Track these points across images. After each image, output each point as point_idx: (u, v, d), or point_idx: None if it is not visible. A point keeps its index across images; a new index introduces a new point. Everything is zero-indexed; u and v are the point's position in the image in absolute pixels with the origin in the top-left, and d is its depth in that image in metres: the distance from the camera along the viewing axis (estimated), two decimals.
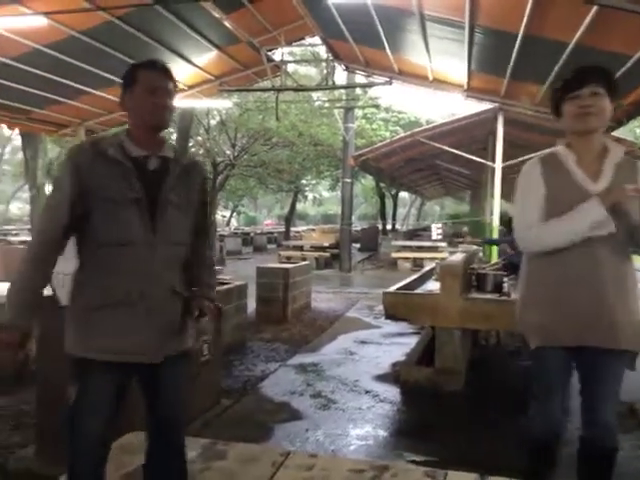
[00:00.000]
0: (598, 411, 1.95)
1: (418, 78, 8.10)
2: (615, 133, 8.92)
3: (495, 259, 7.50)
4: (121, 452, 2.41)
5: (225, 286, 5.62)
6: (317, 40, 9.29)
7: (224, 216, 39.18)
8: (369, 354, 5.41)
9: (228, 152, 18.86)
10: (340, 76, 12.06)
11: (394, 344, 5.82)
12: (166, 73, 1.85)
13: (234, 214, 40.23)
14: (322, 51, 13.15)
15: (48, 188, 15.54)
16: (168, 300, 1.81)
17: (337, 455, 3.06)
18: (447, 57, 6.93)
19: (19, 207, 36.67)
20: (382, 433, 3.44)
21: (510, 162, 10.01)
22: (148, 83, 1.80)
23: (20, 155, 17.53)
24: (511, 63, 6.14)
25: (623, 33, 4.77)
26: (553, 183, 1.97)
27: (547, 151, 2.11)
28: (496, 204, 9.95)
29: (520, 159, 11.13)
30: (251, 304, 6.39)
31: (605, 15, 4.39)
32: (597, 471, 2.02)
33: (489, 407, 3.86)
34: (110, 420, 1.81)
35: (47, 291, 1.93)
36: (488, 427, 3.50)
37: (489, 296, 4.41)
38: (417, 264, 13.44)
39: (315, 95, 16.97)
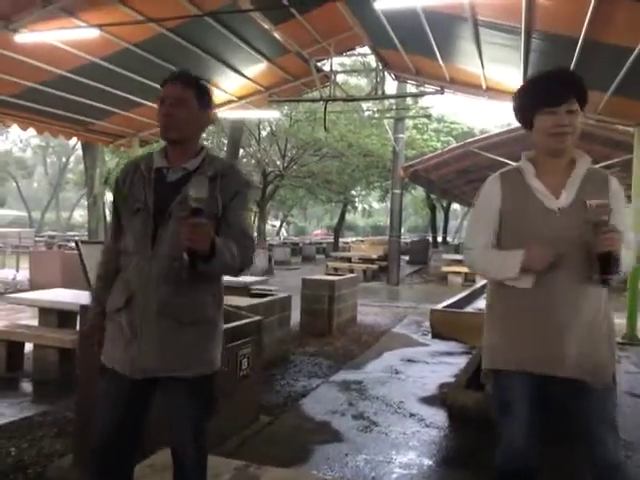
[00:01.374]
0: (603, 452, 1.78)
1: (471, 87, 7.85)
2: None
3: None
4: (151, 471, 2.34)
5: (268, 298, 5.56)
6: (367, 50, 9.21)
7: (274, 226, 39.66)
8: (415, 374, 5.18)
9: (278, 162, 19.06)
10: (390, 86, 11.93)
11: (442, 364, 5.57)
12: (182, 81, 1.80)
13: (284, 224, 40.64)
14: (372, 61, 13.08)
15: (106, 197, 16.17)
16: (156, 317, 1.70)
17: None
18: (501, 64, 6.67)
19: (81, 214, 38.46)
20: (427, 462, 3.23)
21: None
22: (161, 94, 1.81)
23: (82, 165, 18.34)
24: (571, 69, 5.82)
25: None
26: (512, 199, 1.87)
27: (509, 167, 1.99)
28: None
29: None
30: (295, 316, 6.29)
31: None
32: None
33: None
34: (124, 430, 1.76)
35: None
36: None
37: None
38: (468, 279, 13.00)
39: (365, 105, 16.90)
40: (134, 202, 1.77)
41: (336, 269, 14.19)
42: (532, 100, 1.82)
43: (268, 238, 24.05)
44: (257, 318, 3.71)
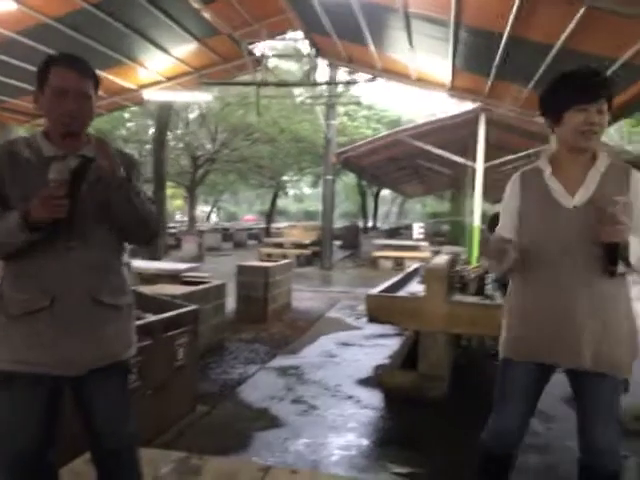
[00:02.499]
0: (593, 436, 1.87)
1: (402, 76, 8.01)
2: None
3: (476, 261, 7.46)
4: (73, 477, 2.23)
5: (203, 285, 5.46)
6: (299, 35, 9.16)
7: (204, 211, 38.80)
8: (351, 357, 5.31)
9: (208, 146, 18.62)
10: (322, 72, 11.94)
11: (376, 346, 5.73)
12: (81, 71, 1.66)
13: (214, 209, 39.87)
14: (304, 46, 13.01)
15: None
16: (89, 308, 1.67)
17: (318, 470, 2.93)
18: (431, 55, 6.85)
19: None
20: (365, 442, 3.33)
21: (491, 163, 10.02)
22: (58, 84, 1.63)
23: None
24: (495, 63, 6.08)
25: (608, 36, 4.73)
26: (530, 199, 1.93)
27: (530, 166, 2.04)
28: (477, 204, 9.95)
29: (500, 160, 11.22)
30: (230, 303, 6.23)
31: (591, 18, 4.34)
32: None
33: (472, 413, 3.77)
34: (43, 439, 1.67)
35: None
36: (472, 435, 3.41)
37: (474, 300, 4.34)
38: (398, 263, 13.40)
39: (297, 91, 16.82)
40: (29, 192, 1.58)
41: (269, 255, 14.15)
42: (565, 96, 1.82)
43: (198, 224, 23.52)
44: (194, 307, 3.65)
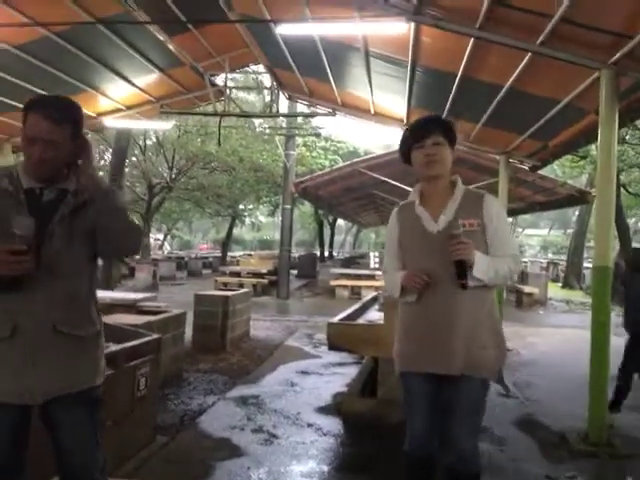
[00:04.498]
0: (454, 438, 2.06)
1: (360, 111, 8.31)
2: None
3: None
4: None
5: (163, 315, 5.40)
6: (261, 68, 9.38)
7: (157, 239, 38.09)
8: (310, 385, 5.34)
9: (165, 174, 18.46)
10: (283, 104, 12.19)
11: (335, 374, 5.78)
12: (55, 117, 1.64)
13: (168, 237, 39.20)
14: (265, 79, 13.27)
15: None
16: (51, 338, 1.68)
17: None
18: (389, 93, 7.16)
19: None
20: (326, 469, 3.36)
21: None
22: (28, 132, 1.67)
23: None
24: (449, 101, 6.43)
25: (552, 80, 5.13)
26: (405, 227, 2.23)
27: (406, 200, 2.33)
28: None
29: None
30: (187, 332, 6.16)
31: (537, 63, 4.70)
32: None
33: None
34: (9, 466, 1.68)
35: None
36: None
37: None
38: (355, 292, 13.55)
39: (257, 121, 17.04)
40: (4, 224, 1.59)
41: (225, 284, 14.01)
42: (406, 141, 2.21)
43: (151, 252, 23.07)
44: (156, 336, 3.63)
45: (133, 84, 7.87)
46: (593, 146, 9.82)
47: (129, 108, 8.77)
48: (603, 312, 3.96)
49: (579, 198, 12.06)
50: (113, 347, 3.12)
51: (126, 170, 16.11)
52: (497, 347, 2.12)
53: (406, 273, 2.11)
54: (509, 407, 4.66)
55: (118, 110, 8.73)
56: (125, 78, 7.58)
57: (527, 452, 3.71)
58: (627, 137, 12.08)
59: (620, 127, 4.41)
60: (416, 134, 2.16)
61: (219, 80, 9.12)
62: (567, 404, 4.62)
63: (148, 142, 19.05)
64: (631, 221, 23.40)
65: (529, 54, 4.55)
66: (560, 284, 19.80)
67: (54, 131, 1.65)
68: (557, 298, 15.13)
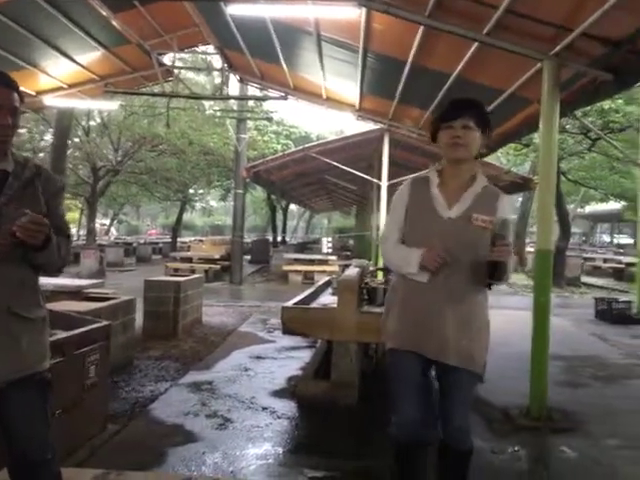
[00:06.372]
0: (451, 418, 2.12)
1: (312, 95, 8.30)
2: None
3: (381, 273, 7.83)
4: None
5: (112, 301, 5.27)
6: (210, 48, 9.16)
7: (103, 224, 36.86)
8: (264, 369, 5.36)
9: (110, 157, 17.83)
10: (233, 86, 11.98)
11: (289, 358, 5.83)
12: (9, 85, 1.68)
13: (114, 222, 38.01)
14: (214, 60, 12.98)
15: None
16: (5, 320, 1.69)
17: (237, 477, 2.97)
18: (341, 78, 7.18)
19: None
20: (282, 450, 3.41)
21: (395, 180, 10.58)
22: None
23: None
24: (399, 88, 6.52)
25: (497, 70, 5.28)
26: (416, 204, 2.17)
27: (421, 173, 2.32)
28: (381, 220, 10.45)
29: (404, 178, 11.89)
30: (137, 319, 6.03)
31: (483, 53, 4.83)
32: (454, 471, 2.19)
33: (380, 418, 4.00)
34: None
35: None
36: (380, 438, 3.62)
37: (381, 310, 4.58)
38: (308, 277, 13.63)
39: (207, 103, 16.67)
40: None
41: (176, 270, 13.74)
42: (437, 119, 2.18)
43: (97, 238, 22.32)
44: (106, 323, 3.55)
45: (75, 62, 7.54)
46: (536, 135, 10.22)
47: (71, 87, 8.40)
48: (544, 293, 4.17)
49: (523, 185, 12.56)
50: (61, 334, 3.04)
51: (69, 152, 15.47)
52: (486, 341, 2.17)
53: (427, 252, 2.03)
54: None
55: (59, 88, 8.35)
56: (67, 55, 7.24)
57: (472, 427, 3.87)
58: (567, 126, 12.62)
59: (561, 117, 4.61)
60: (446, 114, 2.12)
61: (167, 60, 8.87)
62: (510, 382, 4.83)
63: (92, 123, 18.30)
64: (570, 207, 24.55)
65: (476, 44, 4.67)
66: None
67: (9, 95, 1.67)
68: None
